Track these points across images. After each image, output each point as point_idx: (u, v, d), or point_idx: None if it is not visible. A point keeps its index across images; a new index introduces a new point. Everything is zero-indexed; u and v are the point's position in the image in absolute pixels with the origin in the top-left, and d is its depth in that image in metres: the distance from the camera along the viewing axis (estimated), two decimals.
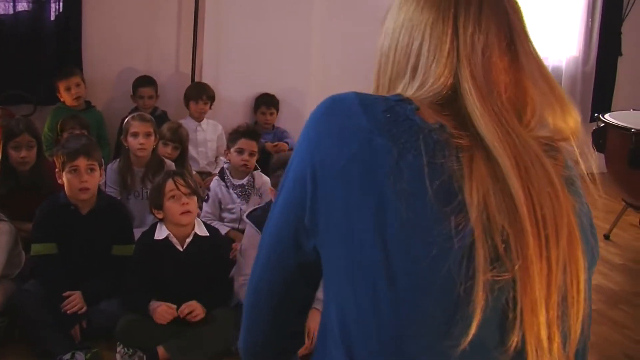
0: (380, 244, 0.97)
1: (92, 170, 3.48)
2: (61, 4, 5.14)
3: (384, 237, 0.97)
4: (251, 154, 4.33)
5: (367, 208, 0.98)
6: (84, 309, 3.40)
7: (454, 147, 0.99)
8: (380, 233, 0.97)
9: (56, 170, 3.54)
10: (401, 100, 1.04)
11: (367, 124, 1.01)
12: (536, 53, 1.07)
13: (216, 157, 5.26)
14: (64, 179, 3.47)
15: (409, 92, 1.07)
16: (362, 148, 0.99)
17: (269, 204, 3.63)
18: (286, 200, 1.08)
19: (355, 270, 0.99)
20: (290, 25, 5.46)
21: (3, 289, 3.44)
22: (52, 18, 5.14)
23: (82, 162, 3.44)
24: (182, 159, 4.62)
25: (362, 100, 1.04)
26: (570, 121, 1.05)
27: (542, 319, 0.96)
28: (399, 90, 1.09)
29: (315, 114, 1.07)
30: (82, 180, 3.44)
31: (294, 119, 5.54)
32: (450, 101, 1.04)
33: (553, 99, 1.04)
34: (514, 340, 0.96)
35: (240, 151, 4.33)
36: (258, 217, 3.53)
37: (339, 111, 1.04)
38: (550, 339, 0.97)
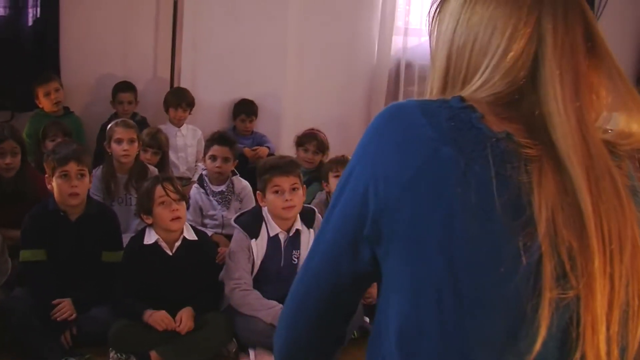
0: (447, 258, 0.95)
1: (82, 175, 3.48)
2: (38, 9, 5.10)
3: (451, 250, 0.95)
4: (225, 160, 4.37)
5: (435, 221, 0.95)
6: (74, 315, 3.39)
7: (522, 157, 0.96)
8: (448, 246, 0.95)
9: (45, 175, 3.52)
10: (465, 107, 1.01)
11: (432, 133, 0.98)
12: (612, 54, 1.03)
13: (195, 163, 5.27)
14: (54, 184, 3.46)
15: (470, 90, 1.04)
16: (429, 159, 0.97)
17: (255, 209, 3.66)
18: (345, 211, 1.06)
19: (420, 283, 0.98)
20: (267, 30, 5.49)
21: None
22: (30, 23, 5.10)
23: (72, 168, 3.44)
24: (162, 164, 4.64)
25: (424, 109, 1.01)
26: None
27: (602, 336, 0.94)
28: (458, 91, 1.07)
29: (376, 125, 1.04)
30: (73, 185, 3.43)
31: (272, 123, 5.59)
32: (515, 103, 1.01)
33: (631, 101, 1.01)
34: (576, 357, 0.95)
35: (213, 158, 4.37)
36: (245, 221, 3.57)
37: (401, 121, 1.01)
38: (609, 354, 0.95)
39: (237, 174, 4.47)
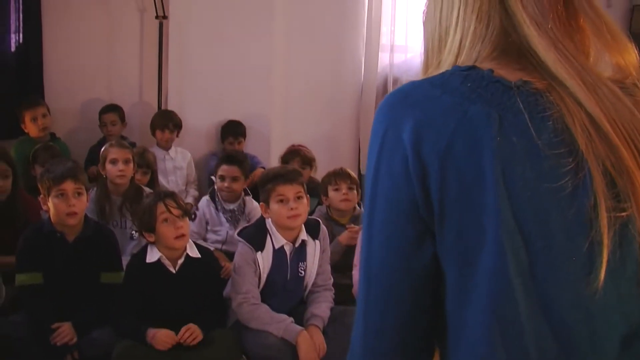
0: (508, 212, 0.92)
1: (79, 194, 3.37)
2: (21, 35, 5.05)
3: (509, 204, 0.92)
4: (233, 179, 4.30)
5: (484, 181, 0.92)
6: (75, 339, 3.26)
7: (542, 95, 0.96)
8: (506, 201, 0.92)
9: (40, 196, 3.41)
10: (469, 68, 1.00)
11: (452, 99, 0.96)
12: None
13: (186, 186, 5.18)
14: (50, 204, 3.34)
15: (465, 58, 1.03)
16: (460, 123, 0.94)
17: (259, 221, 3.57)
18: (389, 198, 1.00)
19: (471, 262, 0.94)
20: (252, 50, 5.44)
21: None
22: (12, 49, 5.03)
23: (69, 186, 3.33)
24: (152, 184, 4.54)
25: (432, 83, 0.99)
26: (629, 57, 1.02)
27: None
28: (451, 61, 1.05)
29: (390, 109, 1.00)
30: (70, 204, 3.32)
31: (261, 143, 5.52)
32: (507, 51, 1.01)
33: (608, 34, 1.01)
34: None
35: (222, 178, 4.32)
36: (250, 234, 3.47)
37: (417, 99, 0.98)
38: None
39: (250, 195, 4.40)
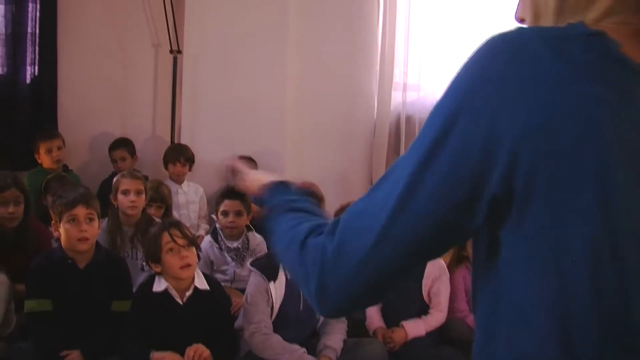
0: (602, 216, 0.82)
1: (91, 220, 3.33)
2: (36, 67, 5.07)
3: (608, 206, 0.82)
4: (237, 214, 4.23)
5: (585, 175, 0.82)
6: None
7: None
8: (604, 202, 0.82)
9: (52, 222, 3.38)
10: (596, 34, 0.86)
11: (566, 70, 0.83)
12: None
13: (198, 221, 5.14)
14: (61, 230, 3.31)
15: (592, 15, 0.90)
16: (569, 102, 0.82)
17: (271, 252, 3.52)
18: (454, 169, 0.89)
19: (566, 251, 0.85)
20: (266, 85, 5.44)
21: None
22: (27, 81, 5.05)
23: (81, 211, 3.30)
24: (166, 218, 4.49)
25: (546, 40, 0.85)
26: None
27: None
28: (574, 15, 0.92)
29: (484, 63, 0.88)
30: (82, 229, 3.28)
31: None
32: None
33: None
34: None
35: (225, 213, 4.23)
36: (262, 264, 3.43)
37: (521, 57, 0.85)
38: None
39: (252, 230, 4.33)
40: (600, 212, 0.82)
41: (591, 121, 0.82)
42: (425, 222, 0.92)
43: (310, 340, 3.42)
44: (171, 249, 3.27)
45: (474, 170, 0.87)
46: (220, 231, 4.26)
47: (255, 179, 1.39)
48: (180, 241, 3.27)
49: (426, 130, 0.93)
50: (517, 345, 0.91)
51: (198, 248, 3.60)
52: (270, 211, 1.20)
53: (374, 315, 3.73)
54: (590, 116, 0.82)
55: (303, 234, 1.05)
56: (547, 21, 0.95)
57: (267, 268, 3.39)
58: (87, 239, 3.31)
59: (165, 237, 3.28)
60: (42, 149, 4.78)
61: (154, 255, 3.31)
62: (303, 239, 1.04)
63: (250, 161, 5.38)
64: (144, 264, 3.98)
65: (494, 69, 0.86)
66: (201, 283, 3.40)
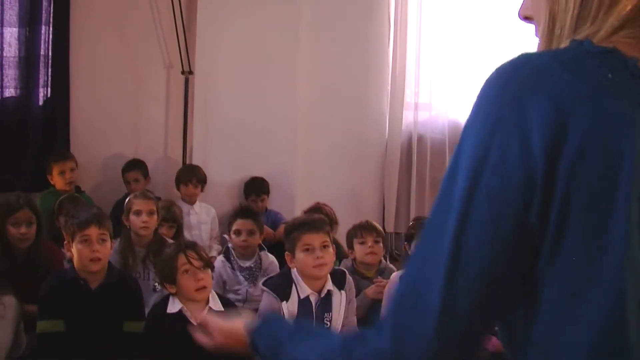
0: (636, 241, 0.80)
1: (103, 240, 3.33)
2: (49, 89, 5.10)
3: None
4: (250, 233, 4.22)
5: (616, 199, 0.80)
6: None
7: None
8: (637, 228, 0.80)
9: (65, 242, 3.38)
10: (608, 51, 0.85)
11: (587, 89, 0.82)
12: None
13: (210, 242, 5.13)
14: (74, 250, 3.30)
15: (600, 32, 0.88)
16: (595, 120, 0.81)
17: (285, 271, 3.51)
18: (495, 197, 0.85)
19: (595, 277, 0.83)
20: (277, 105, 5.45)
21: None
22: (40, 103, 5.09)
23: (93, 232, 3.29)
24: (177, 237, 4.49)
25: (563, 63, 0.84)
26: None
27: None
28: (583, 31, 0.89)
29: (506, 87, 0.86)
30: (94, 250, 3.28)
31: (285, 200, 5.48)
32: None
33: None
34: None
35: (238, 232, 4.22)
36: (275, 284, 3.40)
37: (540, 83, 0.84)
38: None
39: (264, 249, 4.33)
40: (632, 240, 0.80)
41: (617, 138, 0.80)
42: (488, 251, 0.87)
43: None
44: (187, 271, 3.24)
45: (517, 198, 0.85)
46: (232, 250, 4.24)
47: (230, 329, 1.32)
48: (197, 263, 3.25)
49: (460, 162, 0.89)
50: None
51: (213, 270, 3.59)
52: (275, 349, 1.12)
53: None
54: (616, 132, 0.80)
55: (339, 353, 0.98)
56: (562, 23, 0.92)
57: (280, 288, 3.36)
58: (99, 259, 3.31)
59: (182, 258, 3.26)
60: (55, 171, 4.80)
61: (169, 277, 3.28)
62: (341, 356, 0.97)
63: (263, 182, 5.39)
64: (156, 284, 3.98)
65: (520, 97, 0.84)
66: (215, 304, 3.37)
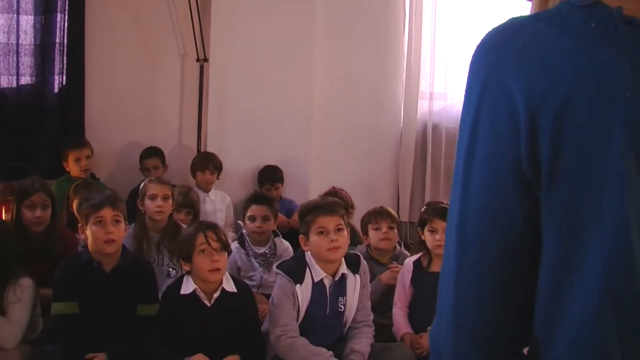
0: (637, 182, 0.80)
1: (117, 222, 3.33)
2: (64, 77, 5.12)
3: (637, 167, 0.80)
4: (264, 219, 4.22)
5: (609, 142, 0.81)
6: None
7: None
8: (635, 169, 0.80)
9: (79, 225, 3.39)
10: (591, 3, 0.85)
11: (572, 41, 0.83)
12: None
13: (225, 229, 5.13)
14: (88, 232, 3.31)
15: None
16: (582, 69, 0.81)
17: (299, 254, 3.50)
18: (490, 156, 0.89)
19: (596, 218, 0.83)
20: (292, 94, 5.44)
21: (21, 352, 3.23)
22: (56, 91, 5.10)
23: (107, 213, 3.30)
24: None
25: (547, 20, 0.86)
26: None
27: None
28: None
29: (490, 50, 0.89)
30: (108, 231, 3.28)
31: (299, 188, 5.47)
32: None
33: None
34: None
35: (252, 218, 4.22)
36: (289, 267, 3.40)
37: (527, 39, 0.86)
38: None
39: (279, 235, 4.32)
40: (631, 181, 0.81)
41: (607, 84, 0.81)
42: (489, 209, 0.90)
43: (337, 346, 3.36)
44: (203, 250, 3.24)
45: (510, 154, 0.87)
46: (247, 237, 4.24)
47: None
48: (214, 244, 3.25)
49: (460, 130, 0.93)
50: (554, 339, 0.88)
51: (230, 254, 3.58)
52: None
53: (401, 321, 3.67)
54: (605, 79, 0.81)
55: None
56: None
57: (294, 270, 3.36)
58: (113, 240, 3.31)
59: (200, 237, 3.25)
60: (71, 158, 4.81)
61: (186, 254, 3.28)
62: None
63: (277, 170, 5.38)
64: (170, 269, 3.98)
65: (507, 53, 0.87)
66: (229, 285, 3.37)
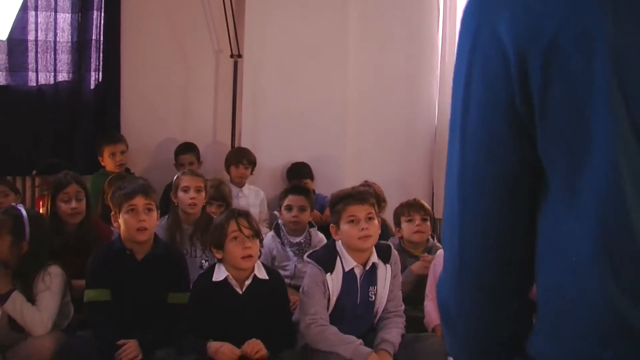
0: (624, 119, 0.81)
1: (149, 210, 3.36)
2: (100, 73, 5.19)
3: (628, 110, 0.81)
4: (301, 209, 4.23)
5: (594, 82, 0.81)
6: (140, 357, 3.20)
7: None
8: (623, 107, 0.81)
9: (112, 213, 3.42)
10: None
11: None
12: None
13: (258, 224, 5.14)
14: (121, 220, 3.34)
15: None
16: (566, 11, 0.82)
17: (329, 243, 3.49)
18: (484, 100, 0.91)
19: (588, 160, 0.83)
20: (327, 91, 5.45)
21: (54, 338, 3.26)
22: (92, 87, 5.17)
23: (140, 201, 3.33)
24: None
25: None
26: None
27: None
28: None
29: (475, 5, 0.92)
30: (140, 219, 3.31)
31: (333, 185, 5.43)
32: None
33: None
34: None
35: (289, 208, 4.24)
36: (319, 256, 3.39)
37: None
38: None
39: (315, 226, 4.34)
40: (619, 119, 0.81)
41: (593, 26, 0.81)
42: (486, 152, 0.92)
43: (367, 336, 3.34)
44: (235, 238, 3.25)
45: (503, 97, 0.89)
46: (282, 226, 4.26)
47: None
48: (246, 231, 3.26)
49: (454, 80, 0.96)
50: (552, 277, 0.90)
51: (261, 241, 3.59)
52: None
53: (433, 313, 3.64)
54: (590, 21, 0.81)
55: None
56: None
57: (324, 260, 3.35)
58: (145, 228, 3.34)
59: (232, 225, 3.27)
60: (106, 153, 4.88)
61: (218, 242, 3.29)
62: None
63: (305, 166, 5.38)
64: (203, 261, 4.00)
65: (486, 6, 0.91)
66: (260, 272, 3.37)
